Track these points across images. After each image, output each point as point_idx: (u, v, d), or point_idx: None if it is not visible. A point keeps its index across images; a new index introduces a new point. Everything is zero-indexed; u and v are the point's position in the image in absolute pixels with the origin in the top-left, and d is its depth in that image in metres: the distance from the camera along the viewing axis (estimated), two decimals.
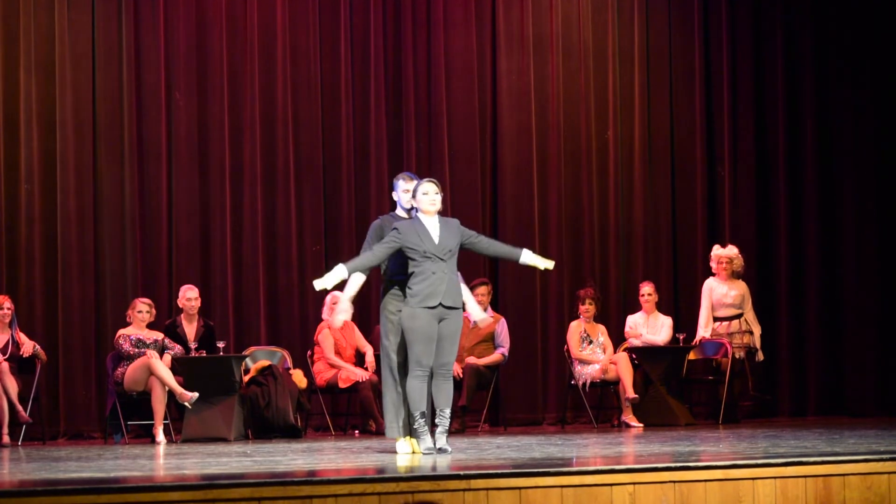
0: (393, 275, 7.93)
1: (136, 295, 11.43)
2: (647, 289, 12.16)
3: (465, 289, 8.07)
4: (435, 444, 7.70)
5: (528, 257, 7.85)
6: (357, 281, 7.99)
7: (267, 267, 12.34)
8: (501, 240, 12.75)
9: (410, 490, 5.49)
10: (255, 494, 5.33)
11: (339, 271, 7.65)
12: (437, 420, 7.76)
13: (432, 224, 7.75)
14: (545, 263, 7.88)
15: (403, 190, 8.11)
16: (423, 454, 7.66)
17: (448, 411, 7.78)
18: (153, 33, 12.16)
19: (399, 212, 8.14)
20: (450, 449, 7.70)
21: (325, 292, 11.74)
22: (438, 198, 7.79)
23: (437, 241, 7.70)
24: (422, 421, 7.71)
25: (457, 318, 7.78)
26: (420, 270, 7.68)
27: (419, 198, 7.79)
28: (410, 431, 7.90)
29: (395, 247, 7.72)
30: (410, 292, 7.69)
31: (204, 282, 11.93)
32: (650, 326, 12.11)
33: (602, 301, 12.27)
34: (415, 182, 8.02)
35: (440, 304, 7.67)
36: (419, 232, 7.71)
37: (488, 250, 8.02)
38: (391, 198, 8.36)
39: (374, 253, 7.78)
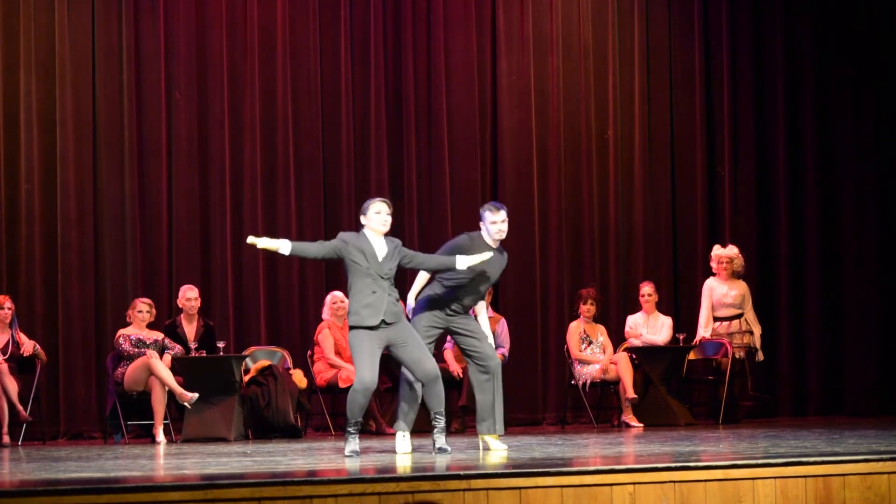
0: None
1: (136, 295, 11.43)
2: (647, 289, 12.16)
3: (482, 314, 8.26)
4: (434, 444, 7.73)
5: (463, 262, 7.91)
6: (421, 280, 8.23)
7: (267, 267, 12.34)
8: (503, 241, 12.86)
9: (410, 490, 5.50)
10: (255, 494, 5.33)
11: (281, 243, 7.75)
12: (432, 422, 7.81)
13: (379, 243, 7.83)
14: (482, 257, 7.95)
15: (491, 221, 8.10)
16: (346, 456, 7.68)
17: (442, 410, 7.82)
18: (153, 33, 12.16)
19: (483, 235, 8.14)
20: (450, 449, 7.71)
21: (324, 292, 11.81)
22: (389, 219, 7.87)
23: (380, 258, 7.77)
24: (353, 429, 7.78)
25: (401, 326, 7.80)
26: (361, 287, 7.76)
27: (371, 216, 7.86)
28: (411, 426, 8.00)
29: (335, 254, 7.83)
30: (352, 309, 7.77)
31: (204, 282, 11.93)
32: (650, 326, 12.11)
33: (602, 301, 12.28)
34: (502, 212, 8.07)
35: (382, 321, 7.71)
36: (364, 249, 7.78)
37: (425, 265, 8.08)
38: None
39: (317, 248, 7.94)
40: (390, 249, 7.84)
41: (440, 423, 7.81)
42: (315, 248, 7.96)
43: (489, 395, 8.07)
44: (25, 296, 11.61)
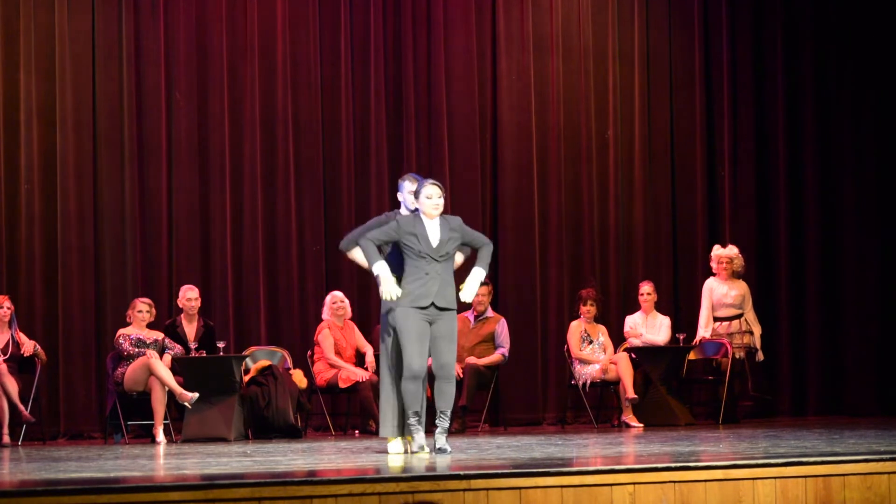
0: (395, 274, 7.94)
1: (136, 295, 11.43)
2: (646, 288, 12.16)
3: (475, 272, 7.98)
4: (435, 444, 7.72)
5: (474, 276, 7.79)
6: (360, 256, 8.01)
7: (267, 267, 12.34)
8: (502, 240, 12.91)
9: (410, 490, 5.49)
10: (255, 494, 5.33)
11: (383, 270, 7.66)
12: (436, 421, 7.78)
13: (433, 226, 7.77)
14: (467, 292, 7.80)
15: (409, 191, 8.11)
16: (413, 452, 7.67)
17: (449, 413, 7.79)
18: (153, 33, 12.16)
19: (403, 211, 8.16)
20: (449, 449, 7.70)
21: (324, 292, 11.80)
22: (441, 201, 7.79)
23: (434, 243, 7.73)
24: (415, 420, 7.74)
25: (450, 318, 7.78)
26: (413, 269, 7.72)
27: (422, 201, 7.79)
28: (403, 430, 7.94)
29: (392, 237, 7.76)
30: (403, 291, 7.71)
31: (204, 282, 11.93)
32: (648, 326, 12.10)
33: (602, 301, 12.27)
34: (419, 183, 8.05)
35: (432, 303, 7.69)
36: (418, 231, 7.73)
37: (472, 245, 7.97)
38: (396, 198, 8.36)
39: (374, 237, 7.79)
40: (447, 233, 7.75)
41: (444, 423, 7.75)
42: (371, 246, 7.75)
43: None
44: (25, 296, 11.61)
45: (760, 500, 5.93)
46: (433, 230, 7.76)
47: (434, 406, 7.85)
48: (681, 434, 9.74)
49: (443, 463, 6.86)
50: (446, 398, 7.77)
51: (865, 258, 13.50)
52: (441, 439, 7.72)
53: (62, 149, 11.87)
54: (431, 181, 7.87)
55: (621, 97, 13.35)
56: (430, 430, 7.96)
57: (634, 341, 12.02)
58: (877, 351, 13.39)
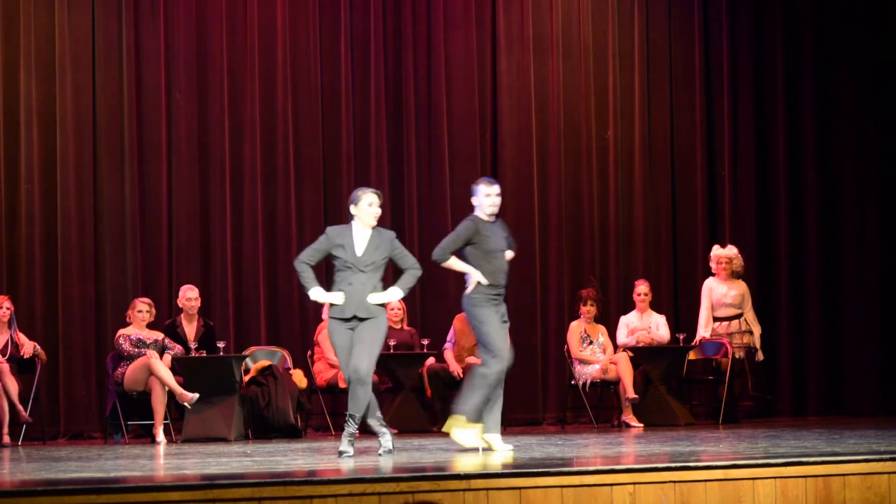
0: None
1: (136, 295, 11.43)
2: (642, 287, 12.15)
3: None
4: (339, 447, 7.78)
5: (389, 294, 7.82)
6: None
7: (267, 267, 12.35)
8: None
9: (410, 490, 5.50)
10: (255, 494, 5.34)
11: (319, 295, 7.79)
12: (345, 424, 7.79)
13: (362, 235, 7.77)
14: (375, 298, 7.80)
15: (485, 194, 8.09)
16: (379, 455, 7.70)
17: (357, 417, 7.72)
18: (153, 33, 12.17)
19: (478, 214, 8.14)
20: (351, 451, 7.65)
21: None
22: (380, 211, 7.80)
23: (359, 252, 7.72)
24: (377, 423, 7.80)
25: (371, 324, 7.73)
26: (339, 279, 7.77)
27: (363, 208, 7.77)
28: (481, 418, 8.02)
29: (324, 251, 7.81)
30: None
31: (204, 282, 11.93)
32: (643, 325, 12.08)
33: (602, 301, 12.26)
34: (496, 186, 8.02)
35: (354, 315, 7.70)
36: (345, 241, 7.73)
37: (401, 266, 7.96)
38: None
39: (307, 257, 7.85)
40: (375, 242, 7.75)
41: (349, 427, 7.70)
42: (312, 274, 7.84)
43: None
44: (25, 296, 11.61)
45: (760, 500, 5.93)
46: (361, 240, 7.76)
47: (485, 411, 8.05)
48: (681, 434, 9.75)
49: (439, 463, 6.85)
50: (355, 401, 7.71)
51: (865, 258, 13.51)
52: (344, 442, 7.71)
53: (62, 149, 11.87)
54: (373, 189, 7.88)
55: (621, 97, 13.35)
56: (423, 430, 7.96)
57: (631, 341, 12.00)
58: (877, 351, 13.40)
